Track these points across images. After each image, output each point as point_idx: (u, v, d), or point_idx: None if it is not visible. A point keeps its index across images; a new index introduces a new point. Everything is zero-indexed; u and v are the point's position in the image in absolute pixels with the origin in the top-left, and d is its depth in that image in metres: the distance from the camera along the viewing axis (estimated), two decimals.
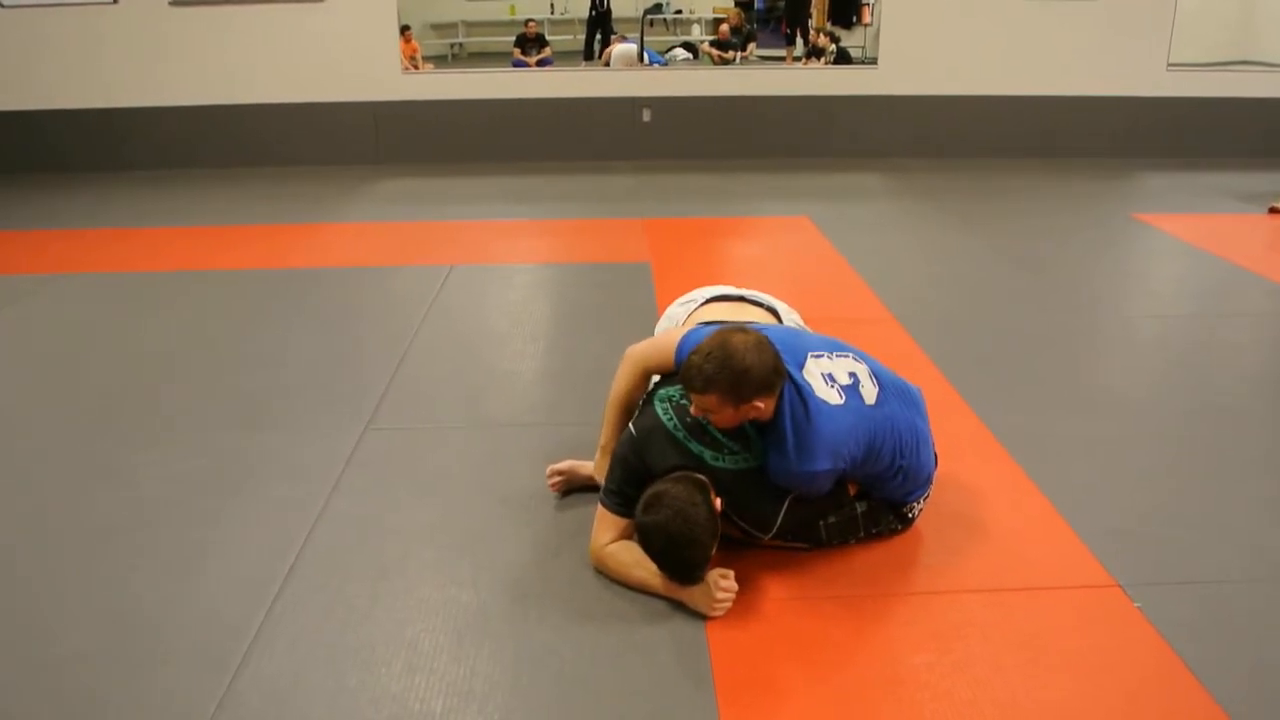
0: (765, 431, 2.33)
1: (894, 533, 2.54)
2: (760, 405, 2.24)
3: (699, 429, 2.35)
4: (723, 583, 2.25)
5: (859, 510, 2.48)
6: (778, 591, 2.33)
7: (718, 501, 2.28)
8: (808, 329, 2.83)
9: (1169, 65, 7.70)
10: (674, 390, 2.42)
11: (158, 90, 7.41)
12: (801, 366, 2.34)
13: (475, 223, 5.93)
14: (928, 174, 7.29)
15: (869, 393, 2.39)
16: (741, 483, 2.33)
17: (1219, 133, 7.76)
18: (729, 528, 2.38)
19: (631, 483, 2.35)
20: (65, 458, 3.04)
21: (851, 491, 2.47)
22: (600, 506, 2.43)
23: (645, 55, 9.00)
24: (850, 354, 2.47)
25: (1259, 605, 2.28)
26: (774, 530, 2.38)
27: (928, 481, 2.53)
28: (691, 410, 2.31)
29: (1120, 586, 2.33)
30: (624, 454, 2.40)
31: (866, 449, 2.34)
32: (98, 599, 2.33)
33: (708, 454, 2.32)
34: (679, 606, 2.26)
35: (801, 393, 2.29)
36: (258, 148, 7.59)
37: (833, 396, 2.32)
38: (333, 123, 7.57)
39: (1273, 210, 6.05)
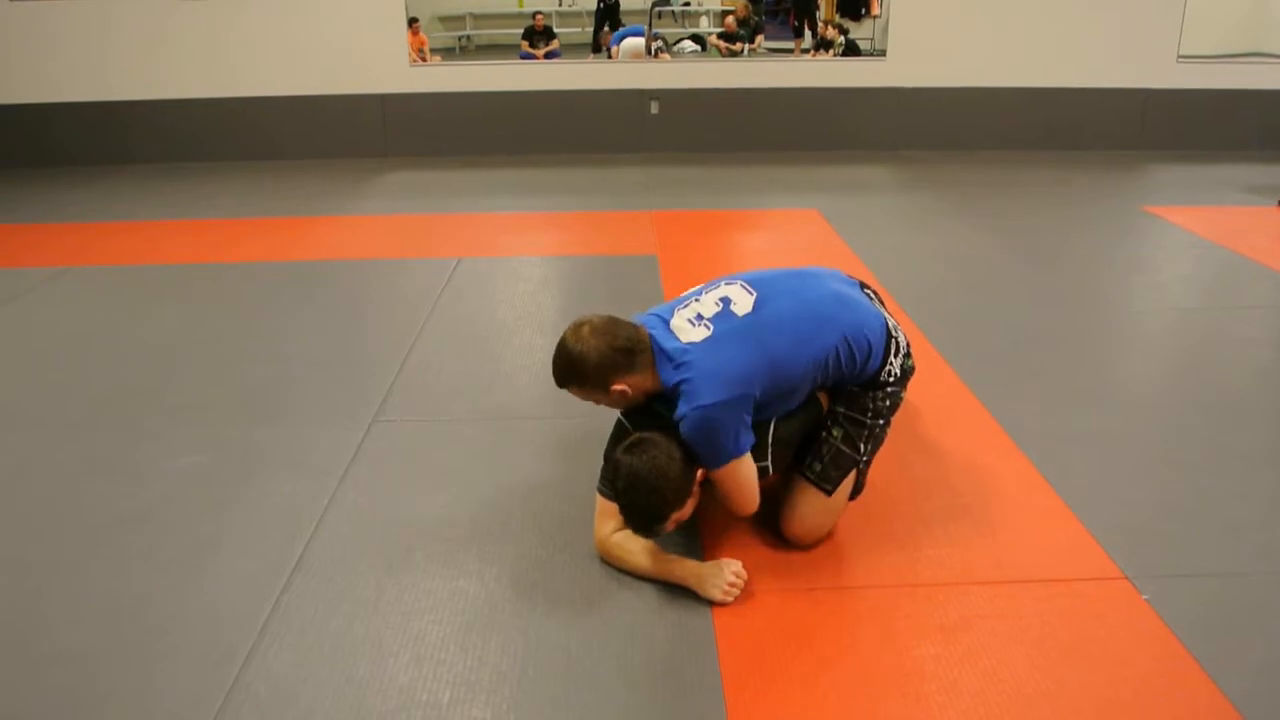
0: (666, 408, 2.31)
1: (895, 404, 2.47)
2: (623, 387, 2.27)
3: None
4: (732, 569, 2.25)
5: (836, 439, 2.42)
6: (784, 582, 2.33)
7: (701, 472, 2.28)
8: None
9: (1179, 57, 7.65)
10: None
11: (164, 83, 7.42)
12: (668, 324, 2.34)
13: (483, 215, 5.94)
14: (937, 166, 7.26)
15: (742, 304, 2.33)
16: None
17: (1230, 125, 7.71)
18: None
19: None
20: (71, 451, 3.04)
21: (824, 402, 2.46)
22: (598, 495, 2.44)
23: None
24: (732, 282, 2.41)
25: (1267, 599, 2.27)
26: (768, 458, 2.37)
27: (884, 336, 2.42)
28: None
29: (1128, 579, 2.32)
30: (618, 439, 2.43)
31: (766, 357, 2.25)
32: (103, 593, 2.34)
33: None
34: (685, 596, 2.26)
35: (666, 353, 2.28)
36: (265, 140, 7.59)
37: (697, 335, 2.29)
38: (340, 115, 7.58)
39: None
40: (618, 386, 2.27)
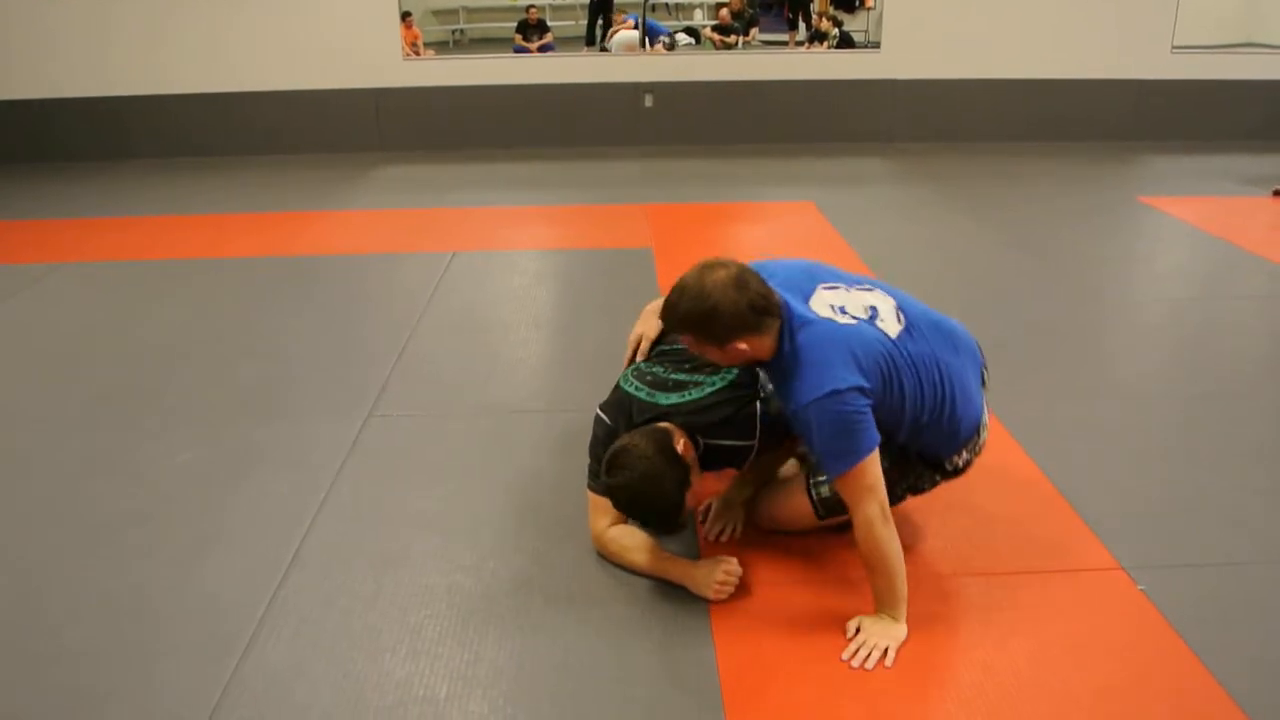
0: (771, 376, 2.21)
1: (935, 484, 2.37)
2: (744, 347, 2.08)
3: (662, 383, 2.37)
4: (725, 566, 2.24)
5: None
6: (779, 575, 2.33)
7: (683, 444, 2.23)
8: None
9: (1174, 48, 7.65)
10: (639, 364, 2.49)
11: (159, 78, 7.40)
12: (808, 298, 2.16)
13: (478, 209, 5.92)
14: (931, 158, 7.26)
15: (890, 327, 2.16)
16: (713, 405, 2.33)
17: (1224, 115, 7.71)
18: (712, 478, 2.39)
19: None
20: (68, 447, 3.04)
21: None
22: (589, 491, 2.44)
23: (649, 29, 8.97)
24: (877, 289, 2.25)
25: (1263, 589, 2.28)
26: (756, 433, 2.32)
27: (973, 432, 2.28)
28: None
29: (1124, 569, 2.33)
30: (600, 435, 2.42)
31: (880, 379, 2.08)
32: (101, 589, 2.34)
33: (674, 398, 2.34)
34: (682, 591, 2.26)
35: (802, 323, 2.10)
36: (260, 135, 7.57)
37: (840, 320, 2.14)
38: (335, 110, 7.56)
39: (1277, 193, 6.02)
40: (740, 345, 2.07)
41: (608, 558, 2.39)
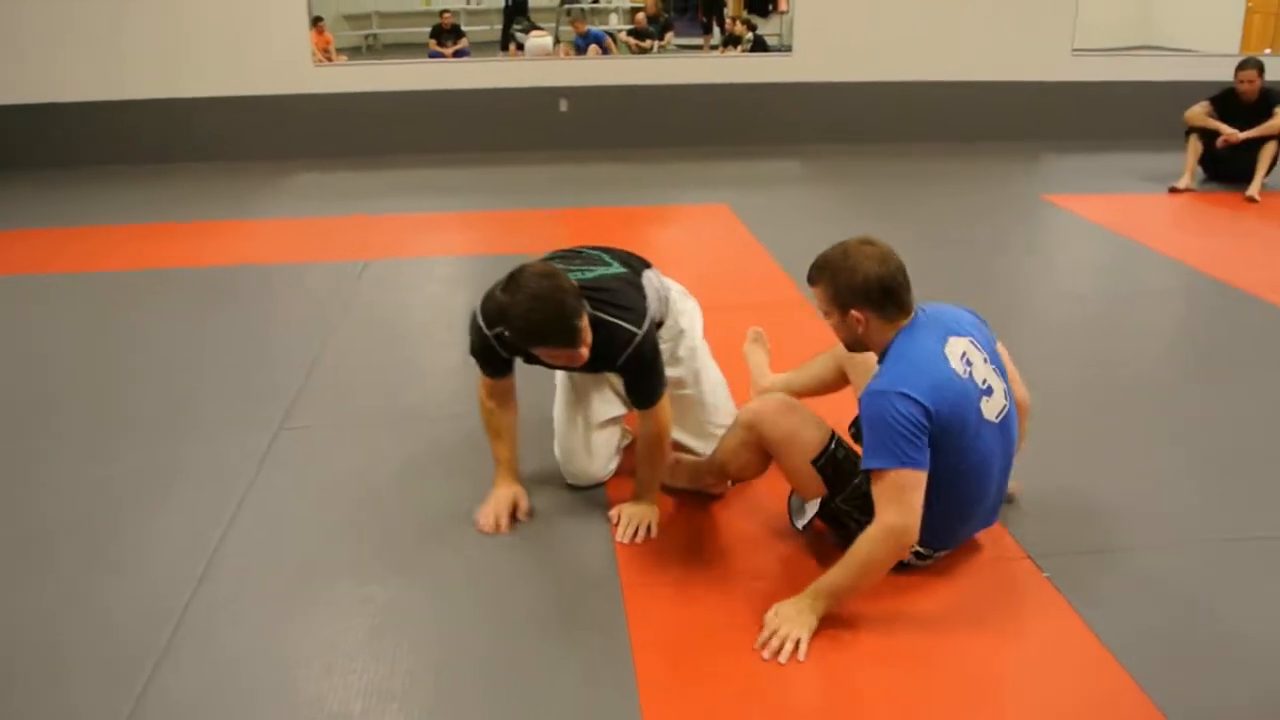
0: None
1: (853, 526, 2.25)
2: (859, 316, 2.15)
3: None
4: (504, 509, 2.54)
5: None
6: (695, 574, 2.35)
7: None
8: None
9: (1073, 50, 7.89)
10: None
11: (50, 86, 7.15)
12: (947, 336, 2.19)
13: (391, 216, 5.86)
14: (844, 159, 7.38)
15: (989, 409, 2.19)
16: (601, 283, 2.43)
17: (1122, 115, 7.98)
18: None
19: (487, 355, 2.51)
20: None
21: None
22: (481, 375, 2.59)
23: (588, 32, 9.00)
24: (1002, 380, 2.27)
25: (1159, 570, 2.36)
26: (646, 319, 2.40)
27: (939, 545, 2.29)
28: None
29: (1030, 558, 2.39)
30: (478, 341, 2.51)
31: (942, 428, 2.08)
32: (1, 614, 2.26)
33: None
34: (600, 591, 2.27)
35: (919, 336, 2.16)
36: (163, 144, 7.37)
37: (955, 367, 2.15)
38: (241, 117, 7.40)
39: (1174, 190, 6.24)
40: (857, 314, 2.15)
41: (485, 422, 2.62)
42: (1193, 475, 2.83)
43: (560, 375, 2.80)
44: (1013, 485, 2.54)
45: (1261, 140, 6.06)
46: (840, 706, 1.97)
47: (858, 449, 2.28)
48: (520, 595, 2.30)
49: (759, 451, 2.42)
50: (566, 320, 2.21)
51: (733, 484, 2.66)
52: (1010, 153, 7.58)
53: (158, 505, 2.69)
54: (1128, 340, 3.92)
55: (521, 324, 2.24)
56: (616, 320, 2.37)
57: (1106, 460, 2.90)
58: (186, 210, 6.08)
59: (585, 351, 2.29)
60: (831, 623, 2.14)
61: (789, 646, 2.06)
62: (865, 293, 2.14)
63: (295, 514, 2.65)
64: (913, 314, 2.21)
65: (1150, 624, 2.17)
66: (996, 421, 2.21)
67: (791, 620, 2.11)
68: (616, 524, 2.52)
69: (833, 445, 2.32)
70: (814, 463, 2.31)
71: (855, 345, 2.27)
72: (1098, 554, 2.43)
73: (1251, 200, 5.94)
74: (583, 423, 2.70)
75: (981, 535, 2.48)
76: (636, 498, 2.56)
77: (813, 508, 2.35)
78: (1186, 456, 2.94)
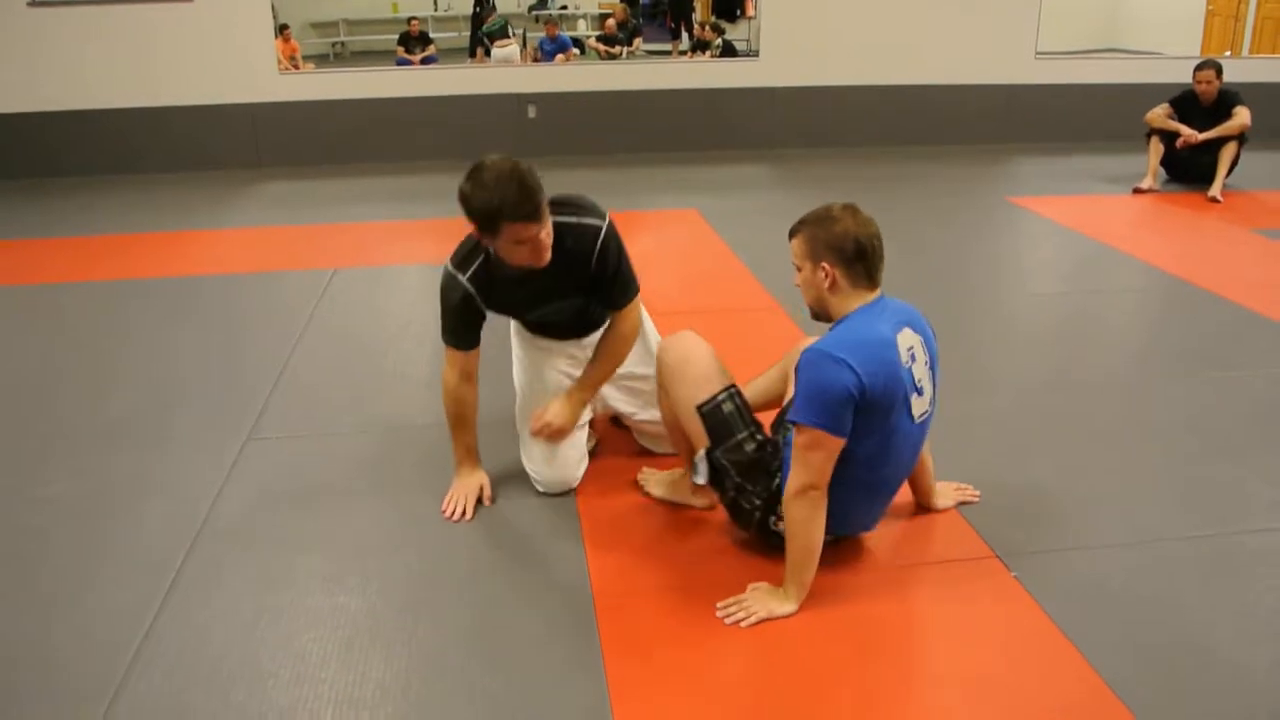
0: None
1: (753, 511, 2.35)
2: (828, 269, 2.18)
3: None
4: (469, 494, 2.63)
5: (750, 450, 2.31)
6: (668, 579, 2.35)
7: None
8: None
9: (1038, 53, 7.98)
10: None
11: (18, 95, 7.08)
12: (898, 328, 2.22)
13: (360, 224, 5.83)
14: (812, 163, 7.42)
15: (917, 407, 2.23)
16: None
17: (1086, 117, 8.08)
18: None
19: (463, 318, 2.58)
20: None
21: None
22: (447, 348, 2.63)
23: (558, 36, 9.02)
24: (934, 388, 2.32)
25: (1125, 568, 2.39)
26: (606, 214, 2.57)
27: (839, 528, 2.30)
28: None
29: (998, 557, 2.41)
30: (455, 301, 2.58)
31: (870, 405, 2.11)
32: None
33: None
34: (573, 604, 2.27)
35: (871, 315, 2.19)
36: (131, 154, 7.31)
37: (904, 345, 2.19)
38: (209, 126, 7.35)
39: (1137, 191, 6.32)
40: (826, 267, 2.19)
41: (445, 404, 2.65)
42: (1160, 474, 2.86)
43: (524, 379, 2.83)
44: (968, 494, 2.66)
45: (1221, 141, 6.15)
46: (808, 706, 1.97)
47: (768, 432, 2.38)
48: (491, 604, 2.29)
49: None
50: (530, 188, 2.30)
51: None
52: (975, 155, 7.66)
53: (126, 518, 2.67)
54: (1093, 340, 3.97)
55: (486, 198, 2.32)
56: (580, 219, 2.53)
57: (1073, 460, 2.93)
58: (152, 220, 6.03)
59: (548, 240, 2.38)
60: (801, 622, 2.15)
61: (742, 617, 2.16)
62: (840, 247, 2.19)
63: (264, 524, 2.63)
64: (878, 293, 2.25)
65: (1119, 623, 2.19)
66: (917, 422, 2.26)
67: (762, 599, 2.19)
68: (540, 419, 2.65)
69: (722, 397, 2.35)
70: (699, 408, 2.35)
71: (817, 306, 2.28)
72: (1066, 553, 2.45)
73: (1214, 200, 6.03)
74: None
75: (949, 535, 2.51)
76: (569, 392, 2.68)
77: (702, 461, 2.38)
78: (1153, 455, 2.97)
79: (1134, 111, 6.66)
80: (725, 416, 2.34)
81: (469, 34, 10.05)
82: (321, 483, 2.84)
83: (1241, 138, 6.16)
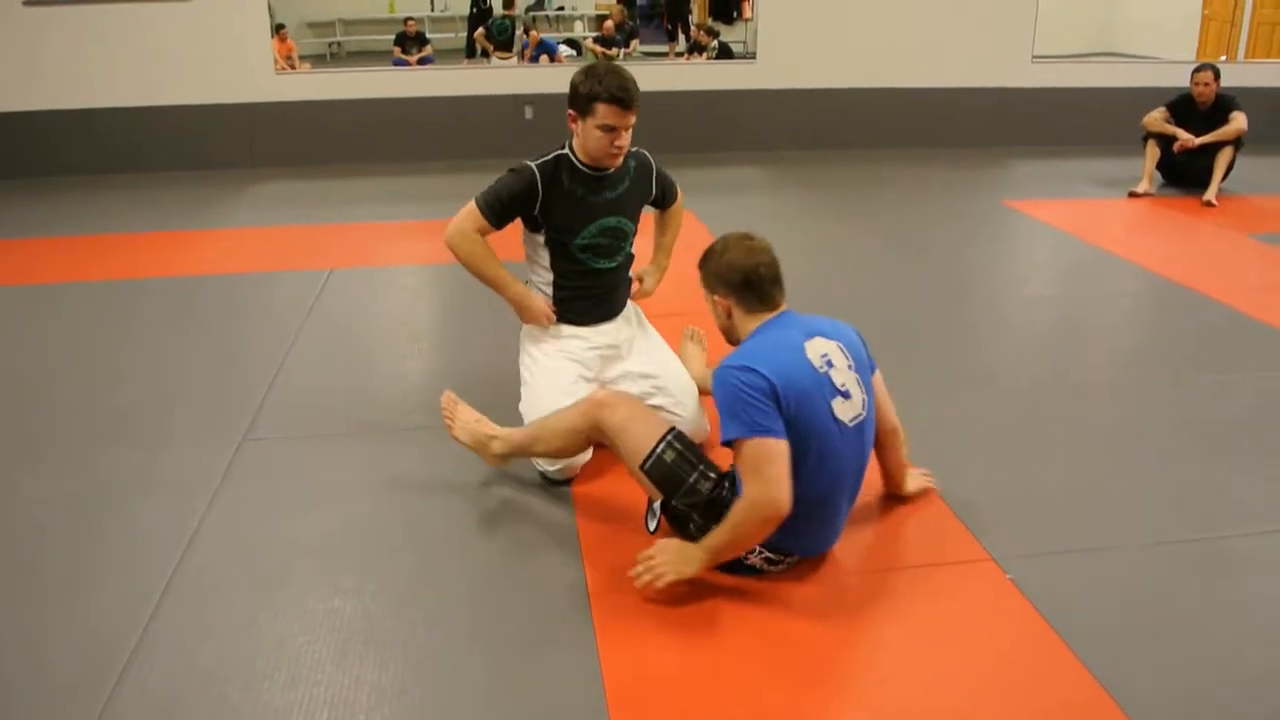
0: None
1: (697, 526, 2.32)
2: (719, 300, 2.34)
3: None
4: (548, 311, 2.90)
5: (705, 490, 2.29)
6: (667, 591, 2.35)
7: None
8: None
9: (1033, 57, 7.99)
10: None
11: (16, 95, 7.07)
12: (807, 337, 2.25)
13: (356, 225, 5.83)
14: (807, 166, 7.43)
15: (845, 412, 2.23)
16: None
17: (1081, 121, 8.09)
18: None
19: (514, 199, 2.79)
20: None
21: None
22: (473, 202, 2.80)
23: (541, 41, 9.02)
24: (867, 395, 2.32)
25: (1120, 570, 2.39)
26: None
27: (788, 551, 2.31)
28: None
29: (994, 560, 2.41)
30: (519, 185, 2.79)
31: (786, 408, 2.13)
32: None
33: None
34: (569, 605, 2.27)
35: (775, 329, 2.27)
36: (126, 154, 7.30)
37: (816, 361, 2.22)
38: (206, 126, 7.34)
39: (1133, 195, 6.34)
40: (719, 299, 2.35)
41: (458, 256, 2.84)
42: (1155, 476, 2.87)
43: (535, 370, 2.93)
44: (930, 481, 2.71)
45: (1217, 145, 6.16)
46: (808, 706, 1.97)
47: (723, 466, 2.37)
48: (487, 606, 2.30)
49: (586, 440, 2.56)
50: (631, 85, 2.71)
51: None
52: (971, 158, 7.67)
53: (122, 517, 2.66)
54: (1087, 343, 3.98)
55: (593, 80, 2.68)
56: (637, 149, 2.96)
57: (1068, 462, 2.93)
58: (150, 220, 6.02)
59: (626, 142, 2.78)
60: (800, 623, 2.15)
61: (651, 580, 2.19)
62: (728, 279, 2.32)
63: (260, 525, 2.62)
64: (779, 311, 2.32)
65: (1115, 625, 2.19)
66: (851, 425, 2.26)
67: (670, 559, 2.22)
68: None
69: (660, 449, 2.35)
70: (640, 467, 2.37)
71: (727, 331, 2.39)
72: (1061, 556, 2.45)
73: (1209, 204, 6.04)
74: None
75: (944, 538, 2.51)
76: (654, 262, 3.23)
77: (654, 512, 2.41)
78: (1147, 458, 2.98)
79: (1129, 116, 6.68)
80: (669, 466, 2.33)
81: (465, 35, 10.04)
82: (316, 484, 2.84)
83: (1237, 142, 6.17)
